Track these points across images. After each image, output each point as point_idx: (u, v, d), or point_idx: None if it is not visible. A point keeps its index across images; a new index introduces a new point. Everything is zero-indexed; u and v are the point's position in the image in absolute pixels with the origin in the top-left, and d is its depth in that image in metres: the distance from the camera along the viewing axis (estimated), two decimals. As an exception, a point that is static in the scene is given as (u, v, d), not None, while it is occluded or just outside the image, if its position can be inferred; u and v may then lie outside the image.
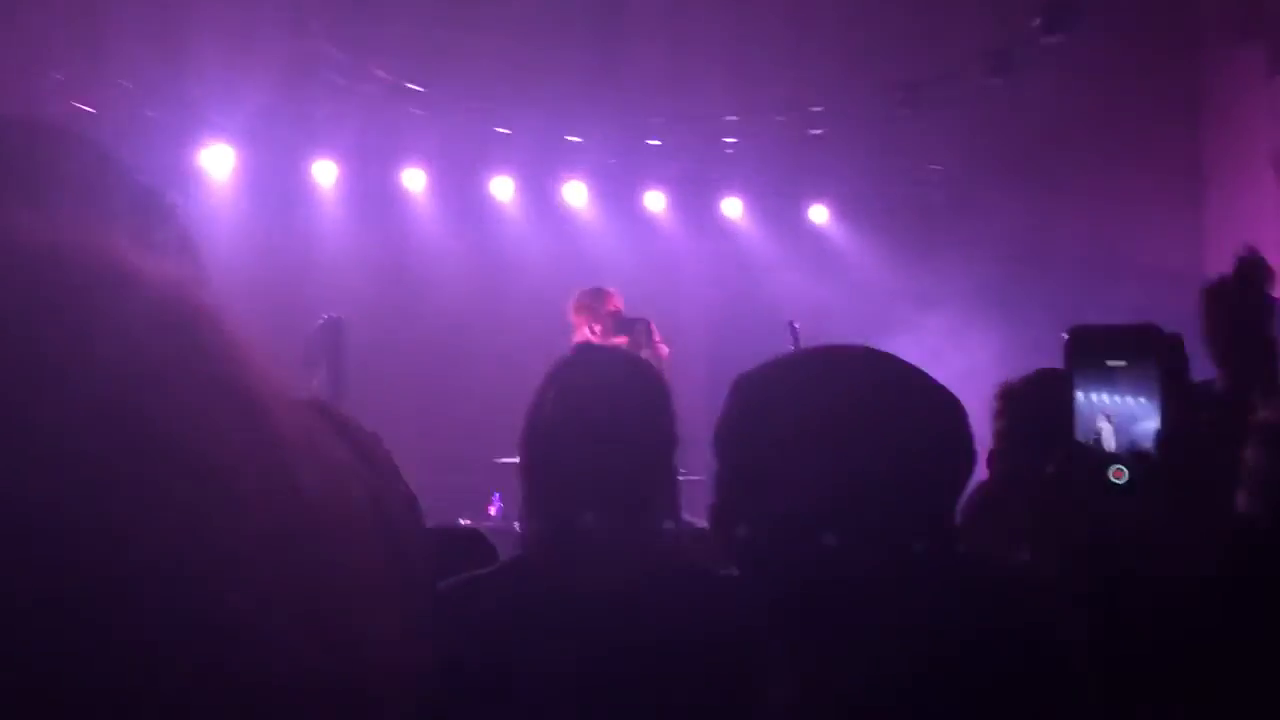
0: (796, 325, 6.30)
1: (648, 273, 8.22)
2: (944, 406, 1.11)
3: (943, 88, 8.49)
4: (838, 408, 1.10)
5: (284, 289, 7.59)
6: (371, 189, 8.19)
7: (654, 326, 5.89)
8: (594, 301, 5.96)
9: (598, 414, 1.69)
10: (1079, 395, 1.16)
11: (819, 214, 9.16)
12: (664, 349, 5.91)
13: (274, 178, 7.92)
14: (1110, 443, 1.15)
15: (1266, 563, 1.26)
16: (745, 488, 1.12)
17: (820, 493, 1.06)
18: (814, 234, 9.17)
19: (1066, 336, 1.17)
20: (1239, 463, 1.45)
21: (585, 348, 1.82)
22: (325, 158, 8.04)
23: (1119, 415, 1.15)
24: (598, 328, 5.81)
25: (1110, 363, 1.16)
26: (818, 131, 8.71)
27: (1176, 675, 1.05)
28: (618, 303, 5.99)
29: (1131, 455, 1.12)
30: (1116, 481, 1.11)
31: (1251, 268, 1.54)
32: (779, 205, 9.03)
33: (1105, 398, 1.15)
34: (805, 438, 1.09)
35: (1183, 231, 9.81)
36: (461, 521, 6.86)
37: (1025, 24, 8.13)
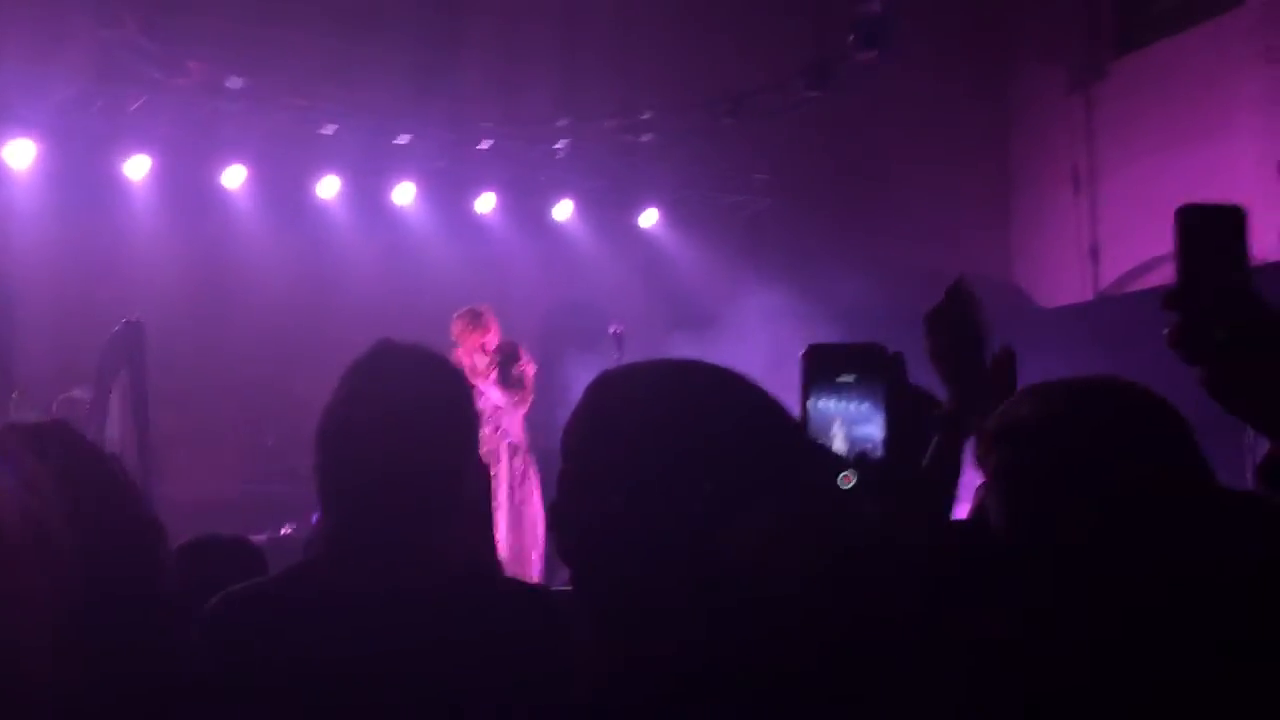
0: (619, 331, 6.44)
1: (477, 275, 8.17)
2: (785, 424, 1.19)
3: (765, 99, 8.71)
4: (691, 417, 1.15)
5: (91, 290, 7.24)
6: (188, 187, 7.87)
7: (522, 350, 6.30)
8: (471, 328, 6.31)
9: (386, 413, 1.64)
10: (814, 404, 1.26)
11: (647, 219, 9.27)
12: (531, 368, 6.29)
13: (82, 174, 7.54)
14: (842, 448, 1.26)
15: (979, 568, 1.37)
16: (593, 485, 1.14)
17: (669, 493, 1.11)
18: (642, 239, 9.28)
19: (804, 352, 1.27)
20: (955, 474, 1.58)
21: (383, 345, 1.76)
22: (138, 153, 7.68)
23: (849, 422, 1.26)
24: (478, 357, 6.18)
25: (842, 378, 1.27)
26: (647, 138, 8.82)
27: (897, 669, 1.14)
28: (492, 330, 6.34)
29: (858, 460, 1.22)
30: (845, 486, 1.21)
31: (959, 292, 1.68)
32: (608, 210, 9.10)
33: (837, 406, 1.25)
34: (659, 442, 1.13)
35: (992, 242, 10.33)
36: (284, 530, 6.69)
37: (841, 40, 8.42)
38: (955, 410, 1.60)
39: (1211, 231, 1.13)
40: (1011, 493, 1.39)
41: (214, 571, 1.95)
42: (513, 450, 6.34)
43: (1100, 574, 1.31)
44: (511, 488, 6.28)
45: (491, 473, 6.06)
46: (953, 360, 1.64)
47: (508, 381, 6.29)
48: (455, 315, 6.37)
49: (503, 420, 6.31)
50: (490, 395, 6.23)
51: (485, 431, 6.14)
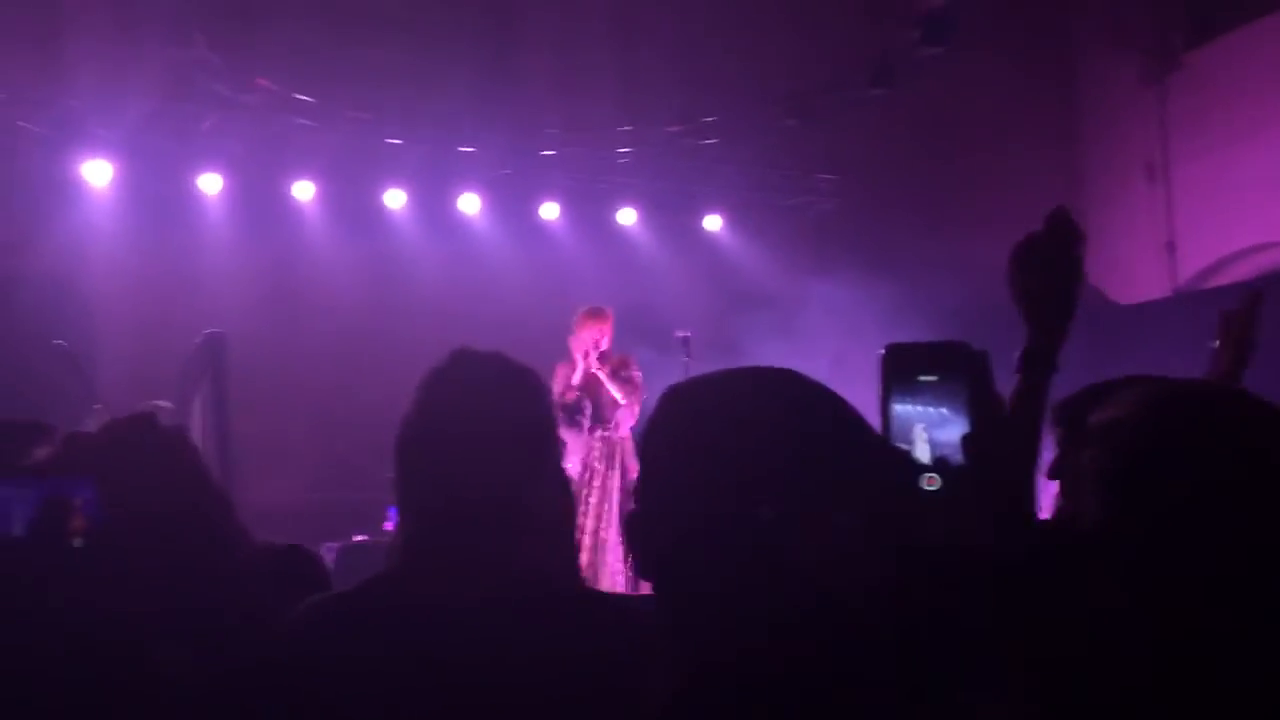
0: (687, 336, 6.45)
1: (543, 282, 8.21)
2: (859, 429, 1.18)
3: (828, 99, 8.65)
4: (766, 426, 1.15)
5: (169, 304, 7.40)
6: (259, 202, 8.02)
7: (634, 360, 6.37)
8: (590, 320, 6.37)
9: (465, 425, 1.61)
10: (895, 407, 1.23)
11: (712, 223, 9.24)
12: (638, 375, 6.34)
13: (158, 191, 7.71)
14: (924, 452, 1.22)
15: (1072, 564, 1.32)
16: (671, 499, 1.15)
17: (750, 500, 1.11)
18: (707, 242, 9.25)
19: (883, 352, 1.24)
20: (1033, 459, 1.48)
21: (462, 354, 1.74)
22: (211, 170, 7.85)
23: (931, 426, 1.22)
24: (591, 351, 6.26)
25: (923, 377, 1.23)
26: (710, 141, 8.80)
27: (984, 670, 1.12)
28: (609, 327, 6.37)
29: (941, 463, 1.19)
30: (930, 489, 1.18)
31: (1061, 223, 1.57)
32: (672, 215, 9.09)
33: (918, 409, 1.22)
34: (735, 453, 1.13)
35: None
36: (357, 538, 6.77)
37: (905, 36, 8.33)
38: (1035, 350, 1.48)
39: None
40: (1108, 494, 1.35)
41: (270, 580, 1.93)
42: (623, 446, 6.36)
43: (1187, 581, 1.28)
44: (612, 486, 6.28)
45: (600, 470, 6.18)
46: (1040, 296, 1.52)
47: (620, 380, 6.34)
48: (579, 311, 6.49)
49: (620, 416, 6.35)
50: (610, 390, 6.29)
51: (607, 431, 6.28)
